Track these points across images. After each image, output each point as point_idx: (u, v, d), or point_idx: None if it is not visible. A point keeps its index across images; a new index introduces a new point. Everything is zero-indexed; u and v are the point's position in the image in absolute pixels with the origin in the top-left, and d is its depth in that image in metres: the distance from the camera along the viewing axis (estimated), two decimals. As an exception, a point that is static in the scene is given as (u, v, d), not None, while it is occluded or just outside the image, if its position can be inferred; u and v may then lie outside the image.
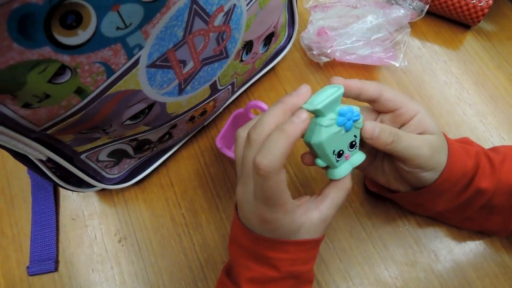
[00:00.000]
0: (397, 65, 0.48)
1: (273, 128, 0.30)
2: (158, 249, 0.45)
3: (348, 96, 0.33)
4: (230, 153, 0.41)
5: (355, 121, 0.30)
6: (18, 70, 0.23)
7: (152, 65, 0.30)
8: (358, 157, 0.33)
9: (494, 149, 0.39)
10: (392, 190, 0.40)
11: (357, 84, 0.33)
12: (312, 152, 0.32)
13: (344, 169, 0.32)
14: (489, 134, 0.48)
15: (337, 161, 0.32)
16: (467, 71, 0.52)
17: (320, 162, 0.32)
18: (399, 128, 0.35)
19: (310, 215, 0.31)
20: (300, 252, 0.32)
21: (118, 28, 0.25)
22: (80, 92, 0.27)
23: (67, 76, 0.25)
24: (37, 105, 0.26)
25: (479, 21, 0.51)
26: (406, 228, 0.44)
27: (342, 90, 0.30)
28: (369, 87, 0.33)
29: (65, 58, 0.24)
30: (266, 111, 0.31)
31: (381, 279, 0.42)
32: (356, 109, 0.30)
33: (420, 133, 0.34)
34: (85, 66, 0.26)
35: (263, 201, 0.29)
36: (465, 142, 0.40)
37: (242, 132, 0.33)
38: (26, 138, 0.29)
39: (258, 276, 0.32)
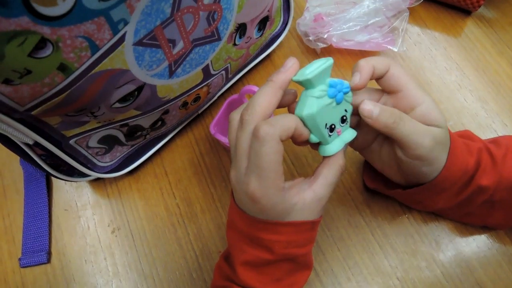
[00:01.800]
0: (396, 50, 0.47)
1: (265, 108, 0.29)
2: (152, 240, 0.44)
3: (365, 78, 0.31)
4: (224, 139, 0.40)
5: (345, 93, 0.29)
6: (-5, 41, 0.22)
7: (139, 43, 0.29)
8: (349, 133, 0.32)
9: (496, 142, 0.37)
10: (390, 187, 0.39)
11: (370, 62, 0.31)
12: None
13: (336, 145, 0.31)
14: (491, 121, 0.47)
15: (329, 136, 0.31)
16: (468, 57, 0.51)
17: (313, 137, 0.31)
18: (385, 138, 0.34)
19: (303, 195, 0.30)
20: (294, 234, 0.31)
21: (100, -1, 0.24)
22: (64, 68, 0.26)
23: (49, 50, 0.25)
24: (18, 82, 0.25)
25: (479, 7, 0.50)
26: (406, 216, 0.43)
27: (331, 61, 0.29)
28: (379, 61, 0.31)
29: (45, 30, 0.23)
30: (256, 92, 0.30)
31: (380, 269, 0.41)
32: (346, 82, 0.29)
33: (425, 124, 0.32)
34: (67, 40, 0.25)
35: (256, 172, 0.28)
36: (467, 136, 0.38)
37: (236, 115, 0.32)
38: (9, 118, 0.28)
39: (253, 259, 0.31)
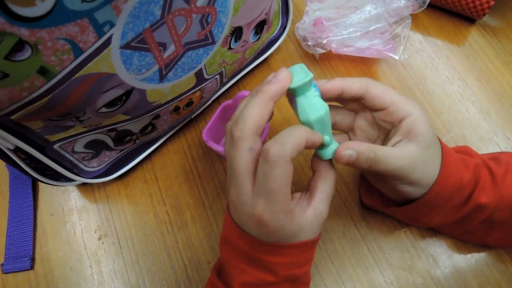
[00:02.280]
0: (397, 57, 0.45)
1: (257, 121, 0.27)
2: (139, 248, 0.43)
3: (329, 97, 0.32)
4: (216, 147, 0.39)
5: None
6: (-33, 43, 0.21)
7: (126, 46, 0.27)
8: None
9: (496, 159, 0.36)
10: (387, 204, 0.38)
11: (338, 84, 0.31)
12: None
13: (334, 146, 0.31)
14: (493, 133, 0.45)
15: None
16: (471, 67, 0.50)
17: (327, 138, 0.30)
18: (388, 129, 0.33)
19: (305, 214, 0.29)
20: (297, 255, 0.29)
21: (83, 0, 0.23)
22: (44, 72, 0.25)
23: (27, 53, 0.23)
24: (-6, 85, 0.24)
25: (484, 15, 0.49)
26: (403, 230, 0.41)
27: (311, 76, 0.29)
28: (352, 84, 0.31)
29: (23, 32, 0.22)
30: (245, 103, 0.28)
31: (375, 284, 0.40)
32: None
33: (408, 139, 0.31)
34: (47, 43, 0.23)
35: (265, 195, 0.26)
36: (465, 152, 0.36)
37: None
38: (-13, 122, 0.27)
39: (254, 280, 0.29)
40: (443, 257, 0.40)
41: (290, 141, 0.26)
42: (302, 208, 0.30)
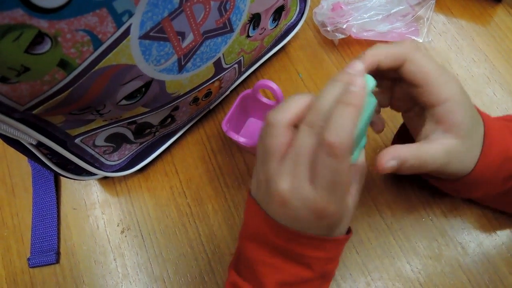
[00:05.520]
0: (421, 40, 0.44)
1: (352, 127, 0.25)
2: (162, 240, 0.43)
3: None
4: (236, 137, 0.38)
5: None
6: (-13, 37, 0.20)
7: (145, 36, 0.27)
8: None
9: None
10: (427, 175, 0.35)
11: (370, 59, 0.28)
12: None
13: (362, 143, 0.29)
14: (523, 116, 0.44)
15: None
16: (498, 48, 0.48)
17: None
18: (424, 109, 0.30)
19: (347, 202, 0.28)
20: (335, 249, 0.29)
21: (102, -11, 0.22)
22: (64, 65, 0.24)
23: (47, 45, 0.23)
24: (15, 80, 0.23)
25: (511, -8, 0.47)
26: (430, 218, 0.40)
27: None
28: (385, 59, 0.28)
29: (42, 24, 0.21)
30: (321, 93, 0.26)
31: (402, 274, 0.39)
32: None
33: (443, 130, 0.28)
34: (67, 35, 0.23)
35: (331, 189, 0.24)
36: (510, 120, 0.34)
37: (278, 115, 0.27)
38: (9, 118, 0.27)
39: (291, 278, 0.28)
40: (472, 245, 0.39)
41: (351, 128, 0.23)
42: None
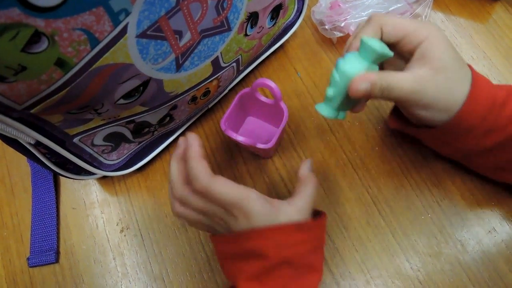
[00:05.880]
0: (418, 38, 0.44)
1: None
2: (161, 240, 0.43)
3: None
4: (235, 136, 0.38)
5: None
6: (-16, 36, 0.20)
7: (142, 35, 0.27)
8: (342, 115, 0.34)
9: None
10: (415, 126, 0.36)
11: (355, 41, 0.32)
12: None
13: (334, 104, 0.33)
14: (521, 113, 0.44)
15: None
16: (496, 45, 0.47)
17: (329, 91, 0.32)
18: (409, 60, 0.32)
19: (283, 205, 0.32)
20: (283, 236, 0.30)
21: (98, -12, 0.22)
22: (62, 64, 0.24)
23: (44, 44, 0.23)
24: (13, 79, 0.23)
25: (509, -10, 0.47)
26: (429, 215, 0.40)
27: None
28: (366, 34, 0.31)
29: (39, 23, 0.21)
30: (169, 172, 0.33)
31: (401, 271, 0.39)
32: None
33: (421, 64, 0.30)
34: (63, 34, 0.23)
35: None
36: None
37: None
38: (7, 117, 0.27)
39: (252, 271, 0.30)
40: (471, 243, 0.39)
41: (201, 170, 0.30)
42: (283, 202, 0.32)
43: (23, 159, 0.48)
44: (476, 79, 0.31)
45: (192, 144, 0.32)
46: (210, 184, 0.30)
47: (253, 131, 0.45)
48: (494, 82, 0.45)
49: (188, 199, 0.32)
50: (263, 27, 0.39)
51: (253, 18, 0.36)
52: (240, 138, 0.37)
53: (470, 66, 0.32)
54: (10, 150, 0.49)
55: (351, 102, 0.33)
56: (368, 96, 0.31)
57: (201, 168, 0.30)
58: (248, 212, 0.29)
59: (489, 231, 0.39)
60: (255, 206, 0.30)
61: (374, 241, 0.40)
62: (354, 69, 0.30)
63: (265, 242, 0.30)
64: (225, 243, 0.33)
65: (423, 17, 0.45)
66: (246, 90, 0.41)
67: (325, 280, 0.39)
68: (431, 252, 0.39)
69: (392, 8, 0.44)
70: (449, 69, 0.30)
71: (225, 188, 0.30)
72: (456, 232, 0.39)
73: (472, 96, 0.30)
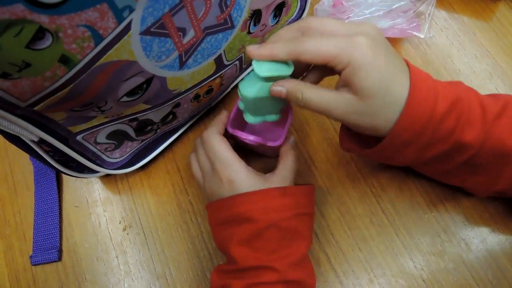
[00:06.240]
0: (422, 36, 0.44)
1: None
2: (164, 238, 0.43)
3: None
4: (245, 136, 0.38)
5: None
6: (-12, 32, 0.20)
7: (146, 32, 0.27)
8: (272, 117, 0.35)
9: (495, 97, 0.32)
10: (364, 148, 0.35)
11: (265, 52, 0.29)
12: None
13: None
14: (525, 112, 0.43)
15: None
16: (500, 43, 0.47)
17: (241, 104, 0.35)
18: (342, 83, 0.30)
19: (266, 175, 0.36)
20: (268, 200, 0.33)
21: (102, -16, 0.22)
22: (66, 61, 0.24)
23: (48, 41, 0.23)
24: (17, 76, 0.23)
25: (513, -12, 0.46)
26: (432, 214, 0.40)
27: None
28: (279, 53, 0.29)
29: (43, 19, 0.21)
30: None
31: (405, 270, 0.39)
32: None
33: (347, 89, 0.29)
34: (67, 30, 0.23)
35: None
36: (456, 86, 0.32)
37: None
38: (11, 114, 0.26)
39: (242, 234, 0.33)
40: (475, 241, 0.39)
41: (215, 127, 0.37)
42: (268, 174, 0.36)
43: (25, 157, 0.48)
44: (413, 94, 0.29)
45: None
46: (211, 136, 0.36)
47: (260, 130, 0.45)
48: (497, 80, 0.45)
49: (196, 145, 0.39)
50: (266, 25, 0.39)
51: (256, 15, 0.36)
52: (251, 137, 0.37)
53: (414, 75, 0.29)
54: (13, 148, 0.49)
55: (271, 106, 0.34)
56: (291, 101, 0.31)
57: (215, 126, 0.37)
58: (232, 179, 0.34)
59: (493, 230, 0.39)
60: (239, 173, 0.34)
61: (378, 240, 0.40)
62: (249, 92, 0.31)
63: (251, 206, 0.33)
64: (215, 209, 0.35)
65: (427, 15, 0.45)
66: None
67: (328, 278, 0.39)
68: (435, 251, 0.39)
69: (396, 6, 0.44)
70: (371, 97, 0.28)
71: (220, 145, 0.35)
72: (459, 231, 0.39)
73: (404, 115, 0.29)
